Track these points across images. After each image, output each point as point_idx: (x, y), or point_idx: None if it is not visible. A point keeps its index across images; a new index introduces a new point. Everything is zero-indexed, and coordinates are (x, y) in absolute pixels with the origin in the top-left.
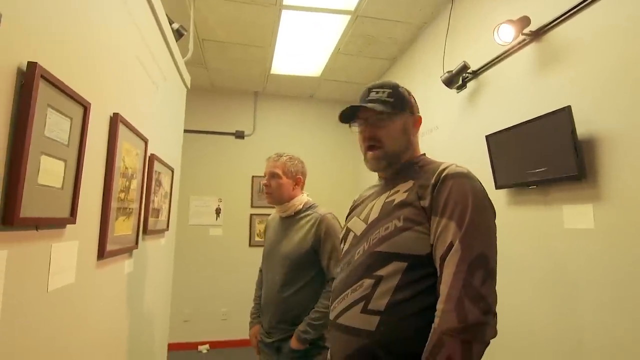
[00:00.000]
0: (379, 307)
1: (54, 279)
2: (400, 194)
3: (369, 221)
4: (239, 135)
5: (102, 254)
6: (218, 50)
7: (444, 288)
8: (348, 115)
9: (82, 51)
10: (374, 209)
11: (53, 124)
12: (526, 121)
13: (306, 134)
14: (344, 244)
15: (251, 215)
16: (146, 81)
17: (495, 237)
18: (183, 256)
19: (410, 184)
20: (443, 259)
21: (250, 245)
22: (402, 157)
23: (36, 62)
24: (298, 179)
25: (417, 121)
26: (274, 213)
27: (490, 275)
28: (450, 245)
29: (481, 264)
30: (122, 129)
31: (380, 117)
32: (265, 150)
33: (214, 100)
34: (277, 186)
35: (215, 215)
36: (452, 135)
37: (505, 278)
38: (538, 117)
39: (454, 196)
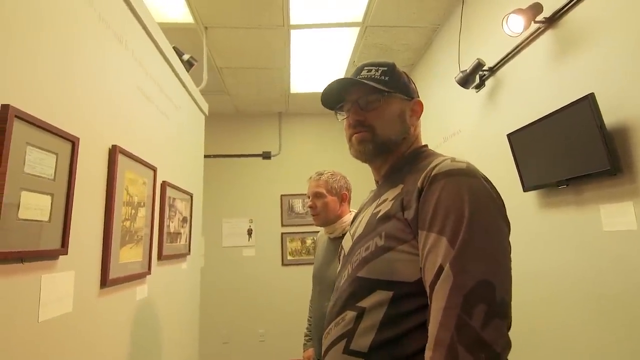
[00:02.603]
0: (361, 347)
1: (45, 309)
2: (386, 203)
3: (354, 237)
4: (266, 156)
5: (105, 282)
6: (236, 76)
7: (432, 329)
8: (333, 99)
9: (69, 90)
10: (362, 222)
11: (34, 160)
12: (547, 115)
13: (332, 151)
14: (340, 266)
15: (282, 234)
16: (153, 112)
17: (508, 256)
18: (219, 278)
19: (399, 189)
20: (432, 287)
21: (283, 264)
22: (396, 149)
23: (8, 104)
24: (343, 195)
25: (418, 107)
26: (322, 231)
27: (497, 311)
28: (440, 269)
29: (482, 296)
30: (123, 159)
31: (372, 99)
32: (292, 169)
33: (240, 124)
34: (323, 206)
35: (248, 236)
36: (475, 138)
37: (540, 292)
38: (559, 109)
39: (444, 201)
